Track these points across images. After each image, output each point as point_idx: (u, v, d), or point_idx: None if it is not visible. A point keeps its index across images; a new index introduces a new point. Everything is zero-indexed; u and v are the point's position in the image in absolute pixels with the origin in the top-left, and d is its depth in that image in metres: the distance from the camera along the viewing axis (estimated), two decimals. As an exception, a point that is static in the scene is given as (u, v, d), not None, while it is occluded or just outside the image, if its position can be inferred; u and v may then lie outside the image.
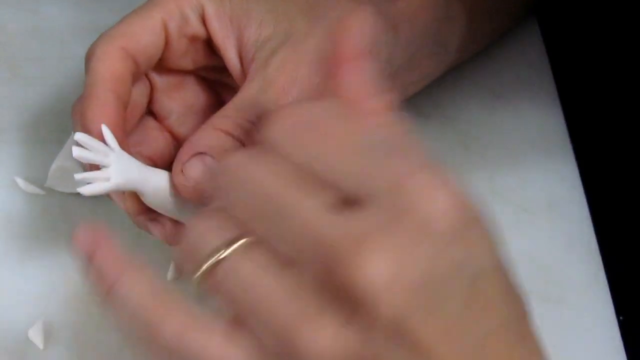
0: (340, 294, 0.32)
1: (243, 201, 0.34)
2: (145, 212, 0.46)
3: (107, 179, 0.43)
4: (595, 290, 0.53)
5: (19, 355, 0.47)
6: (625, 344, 0.50)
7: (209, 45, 0.50)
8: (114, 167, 0.43)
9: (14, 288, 0.50)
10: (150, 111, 0.51)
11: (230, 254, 0.33)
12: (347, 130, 0.34)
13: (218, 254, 0.33)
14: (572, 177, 0.58)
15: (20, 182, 0.54)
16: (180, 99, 0.51)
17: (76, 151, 0.43)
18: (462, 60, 0.60)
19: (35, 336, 0.47)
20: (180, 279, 0.50)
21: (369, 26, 0.37)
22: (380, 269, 0.32)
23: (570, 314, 0.51)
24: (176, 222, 0.45)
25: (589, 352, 0.50)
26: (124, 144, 0.45)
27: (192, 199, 0.44)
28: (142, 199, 0.44)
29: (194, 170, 0.44)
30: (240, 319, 0.34)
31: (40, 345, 0.47)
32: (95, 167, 0.44)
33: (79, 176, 0.43)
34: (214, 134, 0.45)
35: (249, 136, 0.45)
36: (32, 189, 0.54)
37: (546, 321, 0.51)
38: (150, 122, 0.51)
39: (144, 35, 0.47)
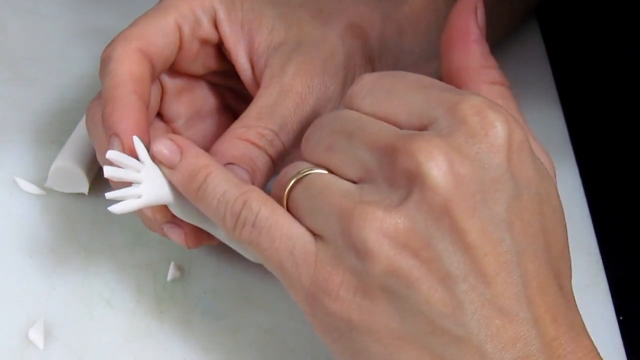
0: (398, 180, 0.37)
1: (325, 131, 0.41)
2: (168, 220, 0.46)
3: (139, 196, 0.42)
4: (595, 290, 0.53)
5: (19, 355, 0.47)
6: (625, 344, 0.50)
7: (219, 49, 0.50)
8: (145, 184, 0.43)
9: (14, 288, 0.50)
10: (158, 113, 0.51)
11: (309, 173, 0.40)
12: (410, 80, 0.40)
13: (302, 174, 0.40)
14: (572, 177, 0.58)
15: (20, 182, 0.54)
16: (188, 103, 0.51)
17: (108, 171, 0.42)
18: None
19: (35, 336, 0.47)
20: (180, 279, 0.51)
21: (481, 9, 0.43)
22: (439, 157, 0.37)
23: (570, 314, 0.51)
24: (196, 227, 0.45)
25: (589, 352, 0.50)
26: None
27: None
28: (170, 208, 0.44)
29: None
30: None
31: (40, 345, 0.47)
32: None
33: (110, 195, 0.42)
34: (239, 144, 0.45)
35: (272, 145, 0.45)
36: (32, 189, 0.54)
37: (546, 321, 0.51)
38: (159, 124, 0.51)
39: (160, 37, 0.47)
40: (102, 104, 0.45)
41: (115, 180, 0.43)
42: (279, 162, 0.46)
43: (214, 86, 0.52)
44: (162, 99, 0.50)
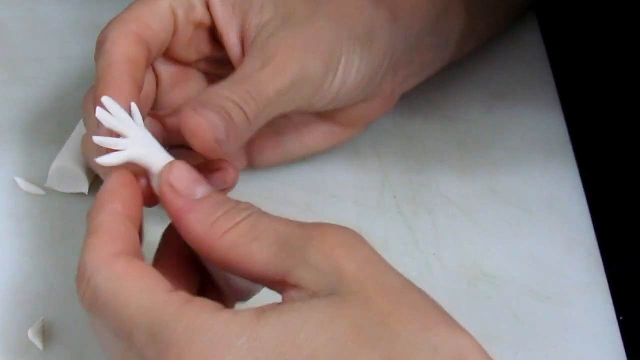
0: None
1: None
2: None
3: (124, 148, 0.42)
4: (595, 290, 0.53)
5: (19, 355, 0.47)
6: (625, 344, 0.50)
7: (212, 34, 0.50)
8: (133, 139, 0.42)
9: (14, 288, 0.50)
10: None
11: None
12: None
13: None
14: (572, 177, 0.58)
15: (20, 182, 0.54)
16: (181, 93, 0.51)
17: (100, 113, 0.42)
18: (462, 54, 0.60)
19: (35, 336, 0.47)
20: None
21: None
22: None
23: (570, 314, 0.51)
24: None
25: (589, 352, 0.50)
26: None
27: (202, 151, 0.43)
28: (151, 181, 0.43)
29: (196, 121, 0.43)
30: None
31: (40, 346, 0.47)
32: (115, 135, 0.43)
33: (97, 139, 0.42)
34: (215, 97, 0.44)
35: (246, 103, 0.44)
36: (32, 189, 0.54)
37: (546, 321, 0.51)
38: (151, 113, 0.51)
39: (155, 21, 0.47)
40: (95, 84, 0.45)
41: (105, 124, 0.42)
42: (254, 124, 0.45)
43: (207, 76, 0.52)
44: (157, 88, 0.50)
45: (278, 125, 0.53)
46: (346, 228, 0.38)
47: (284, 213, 0.54)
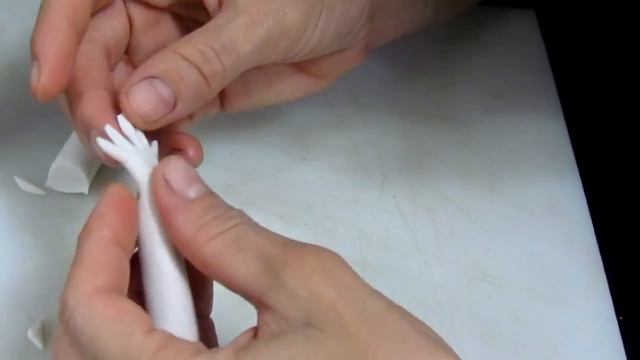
0: None
1: None
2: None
3: (126, 150, 0.41)
4: (595, 290, 0.53)
5: (19, 355, 0.47)
6: (625, 344, 0.50)
7: None
8: (138, 151, 0.41)
9: (14, 288, 0.50)
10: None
11: None
12: None
13: None
14: (572, 177, 0.58)
15: (20, 182, 0.54)
16: (154, 38, 0.49)
17: (121, 117, 0.41)
18: (439, 19, 0.58)
19: (35, 336, 0.47)
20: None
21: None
22: None
23: (570, 314, 0.51)
24: None
25: (589, 352, 0.50)
26: (76, 76, 0.43)
27: (139, 125, 0.42)
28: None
29: (138, 94, 0.42)
30: None
31: (40, 345, 0.47)
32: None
33: (109, 128, 0.41)
34: (169, 56, 0.43)
35: (208, 63, 0.43)
36: (32, 189, 0.54)
37: (546, 321, 0.51)
38: (124, 58, 0.49)
39: None
40: (35, 25, 0.43)
41: (123, 128, 0.42)
42: (215, 84, 0.44)
43: (180, 19, 0.50)
44: (130, 33, 0.49)
45: (249, 74, 0.51)
46: (326, 250, 0.37)
47: (284, 212, 0.54)
